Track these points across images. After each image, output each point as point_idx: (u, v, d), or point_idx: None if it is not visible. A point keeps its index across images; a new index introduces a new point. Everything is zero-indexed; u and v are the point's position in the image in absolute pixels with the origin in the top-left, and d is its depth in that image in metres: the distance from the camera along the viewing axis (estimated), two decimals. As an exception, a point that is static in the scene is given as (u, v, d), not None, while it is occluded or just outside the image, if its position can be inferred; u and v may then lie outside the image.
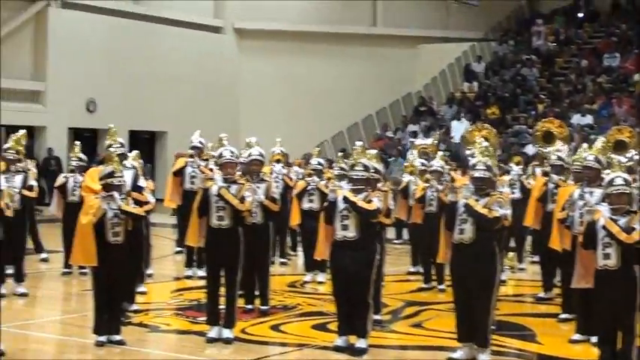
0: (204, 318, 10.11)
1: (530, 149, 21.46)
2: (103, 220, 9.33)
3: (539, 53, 30.43)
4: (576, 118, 24.98)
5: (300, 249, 15.67)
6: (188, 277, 14.05)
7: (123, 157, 11.16)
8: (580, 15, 31.93)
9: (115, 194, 9.36)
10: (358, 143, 10.21)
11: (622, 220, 8.19)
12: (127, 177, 10.47)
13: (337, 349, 9.36)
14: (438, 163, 13.43)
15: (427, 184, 13.18)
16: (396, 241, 18.66)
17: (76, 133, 25.83)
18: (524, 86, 29.08)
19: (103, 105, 26.53)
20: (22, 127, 15.26)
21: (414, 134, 26.51)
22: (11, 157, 12.66)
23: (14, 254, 12.19)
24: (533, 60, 29.99)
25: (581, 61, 29.20)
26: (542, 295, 12.53)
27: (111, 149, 10.33)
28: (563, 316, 11.01)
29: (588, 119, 25.15)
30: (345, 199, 9.28)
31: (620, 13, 31.10)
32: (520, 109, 27.81)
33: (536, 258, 14.19)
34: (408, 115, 29.54)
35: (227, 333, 9.72)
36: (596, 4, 31.87)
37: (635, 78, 27.02)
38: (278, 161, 15.47)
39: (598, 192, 9.50)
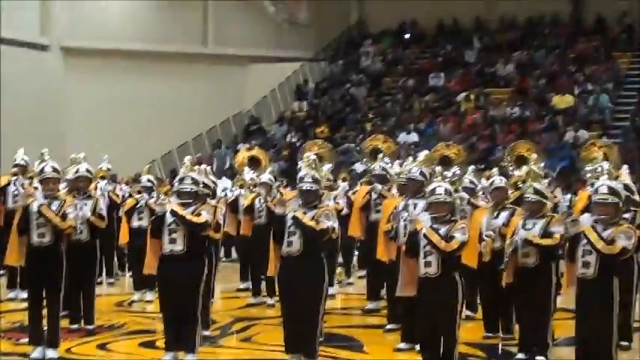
0: (27, 339, 9.78)
1: (358, 167, 21.74)
2: None
3: (368, 73, 31.00)
4: (402, 137, 25.54)
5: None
6: (11, 300, 13.58)
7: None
8: (407, 36, 32.66)
9: None
10: (187, 158, 10.12)
11: (443, 229, 8.41)
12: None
13: (165, 365, 9.23)
14: (266, 176, 13.36)
15: (255, 194, 13.13)
16: (225, 259, 18.36)
17: None
18: (353, 105, 29.56)
19: None
20: None
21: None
22: None
23: None
24: (361, 80, 30.53)
25: (408, 80, 29.88)
26: (369, 306, 12.68)
27: None
28: (390, 326, 11.16)
29: (414, 137, 25.79)
30: (173, 213, 9.19)
31: (445, 35, 32.00)
32: (349, 128, 28.25)
33: (364, 272, 14.34)
34: (238, 134, 29.57)
35: (51, 353, 9.49)
36: (421, 25, 32.63)
37: (459, 97, 27.91)
38: (103, 178, 15.16)
39: (422, 203, 9.71)
